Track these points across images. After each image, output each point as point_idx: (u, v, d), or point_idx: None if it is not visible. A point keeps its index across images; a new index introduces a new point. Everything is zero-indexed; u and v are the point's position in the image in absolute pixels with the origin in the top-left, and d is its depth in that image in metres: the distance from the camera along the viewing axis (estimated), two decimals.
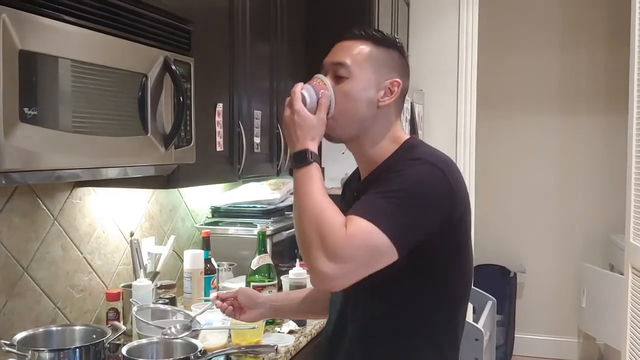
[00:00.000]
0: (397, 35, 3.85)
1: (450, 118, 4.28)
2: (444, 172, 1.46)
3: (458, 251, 1.55)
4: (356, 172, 1.72)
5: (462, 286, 1.60)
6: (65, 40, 1.44)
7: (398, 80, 1.57)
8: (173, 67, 1.83)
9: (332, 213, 1.41)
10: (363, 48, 1.57)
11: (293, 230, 3.04)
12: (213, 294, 1.96)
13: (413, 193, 1.42)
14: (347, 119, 1.56)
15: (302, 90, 1.52)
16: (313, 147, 1.49)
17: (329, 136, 1.59)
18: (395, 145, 1.58)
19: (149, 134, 1.76)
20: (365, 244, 1.37)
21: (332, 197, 1.46)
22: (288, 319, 2.31)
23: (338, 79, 1.56)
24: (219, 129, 2.38)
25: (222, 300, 1.83)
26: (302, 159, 1.48)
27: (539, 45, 5.34)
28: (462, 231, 1.54)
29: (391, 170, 1.49)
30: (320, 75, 1.56)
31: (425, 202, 1.43)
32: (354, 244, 1.37)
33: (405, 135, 1.63)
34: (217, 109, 2.36)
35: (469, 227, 1.56)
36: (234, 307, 1.83)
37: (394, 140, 1.59)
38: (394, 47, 1.61)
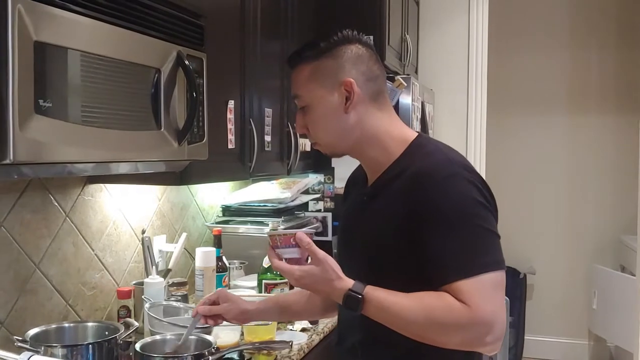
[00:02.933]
0: (407, 33, 3.85)
1: (460, 118, 4.27)
2: (475, 184, 1.44)
3: None
4: (359, 173, 1.68)
5: None
6: (81, 33, 1.43)
7: (348, 79, 1.52)
8: (186, 62, 1.81)
9: (437, 310, 1.36)
10: (303, 70, 1.57)
11: (304, 229, 3.05)
12: (205, 300, 1.78)
13: (474, 214, 1.40)
14: (332, 138, 1.58)
15: (284, 257, 1.49)
16: (345, 283, 1.43)
17: (334, 154, 1.62)
18: (401, 145, 1.55)
19: (162, 129, 1.75)
20: (489, 299, 1.35)
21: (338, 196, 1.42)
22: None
23: (303, 110, 1.59)
24: (230, 126, 2.37)
25: (205, 315, 1.73)
26: (353, 304, 1.42)
27: (549, 45, 5.32)
28: None
29: (418, 185, 1.44)
30: (271, 232, 1.54)
31: (485, 215, 1.42)
32: (483, 308, 1.33)
33: (408, 131, 1.60)
34: (228, 105, 2.35)
35: None
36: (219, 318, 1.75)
37: (398, 139, 1.56)
38: (336, 45, 1.55)
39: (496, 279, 1.37)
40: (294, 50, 1.62)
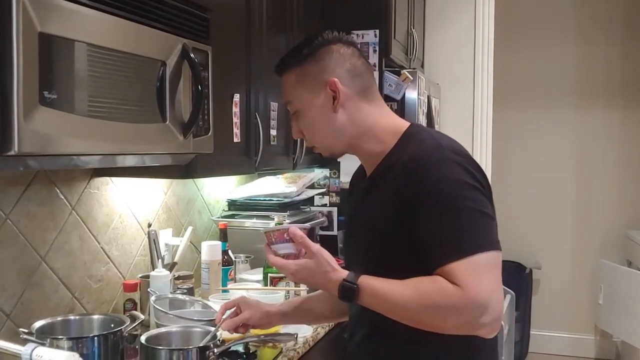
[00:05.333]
0: (413, 27, 3.84)
1: (466, 112, 4.25)
2: (465, 167, 1.43)
3: None
4: (362, 170, 1.69)
5: None
6: (85, 24, 1.43)
7: (331, 79, 1.54)
8: (192, 55, 1.82)
9: (430, 294, 1.35)
10: (290, 77, 1.61)
11: (310, 223, 3.06)
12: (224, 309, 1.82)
13: (464, 196, 1.39)
14: (328, 138, 1.61)
15: (280, 253, 1.52)
16: (340, 274, 1.45)
17: (333, 154, 1.65)
18: (394, 136, 1.55)
19: (167, 122, 1.75)
20: (483, 279, 1.33)
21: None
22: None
23: (295, 116, 1.62)
24: (236, 119, 2.37)
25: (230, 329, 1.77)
26: (348, 294, 1.43)
27: (556, 39, 5.30)
28: None
29: (409, 171, 1.44)
30: (265, 229, 1.56)
31: (476, 196, 1.40)
32: (477, 289, 1.31)
33: (401, 121, 1.61)
34: (234, 99, 2.35)
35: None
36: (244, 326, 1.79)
37: (391, 130, 1.57)
38: (318, 48, 1.58)
39: (489, 259, 1.35)
40: (280, 59, 1.65)
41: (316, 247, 1.48)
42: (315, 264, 1.46)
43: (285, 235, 1.50)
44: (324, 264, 1.46)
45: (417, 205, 1.40)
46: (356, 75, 1.57)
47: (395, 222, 1.45)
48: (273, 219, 2.85)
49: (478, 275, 1.32)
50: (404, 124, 1.59)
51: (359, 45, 1.66)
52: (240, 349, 1.94)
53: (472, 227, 1.37)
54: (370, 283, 1.42)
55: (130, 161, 1.83)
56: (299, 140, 2.92)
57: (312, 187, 3.31)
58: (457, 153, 1.45)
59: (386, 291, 1.40)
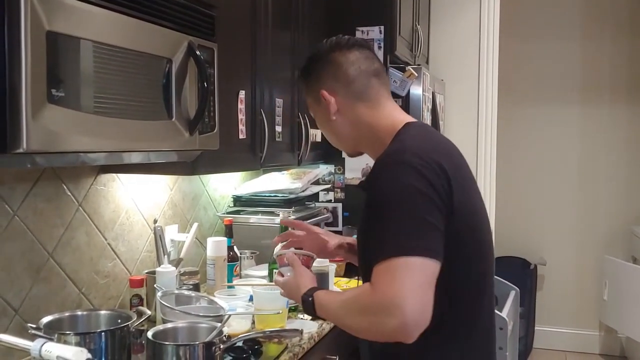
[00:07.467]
0: (418, 24, 3.84)
1: (471, 108, 4.25)
2: (420, 171, 1.38)
3: (459, 243, 1.43)
4: None
5: (469, 279, 1.50)
6: (92, 22, 1.44)
7: (321, 91, 1.65)
8: (197, 52, 1.83)
9: (353, 298, 1.43)
10: (302, 88, 1.81)
11: (314, 219, 3.07)
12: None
13: (404, 200, 1.37)
14: (336, 142, 1.74)
15: (286, 274, 1.72)
16: (305, 290, 1.58)
17: (349, 154, 1.78)
18: (391, 135, 1.57)
19: (173, 119, 1.77)
20: (395, 282, 1.29)
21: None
22: None
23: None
24: (241, 116, 2.38)
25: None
26: (308, 307, 1.56)
27: (561, 34, 5.29)
28: (463, 219, 1.44)
29: (372, 172, 1.48)
30: (276, 253, 1.81)
31: (418, 201, 1.36)
32: (384, 290, 1.30)
33: (398, 119, 1.62)
34: (239, 96, 2.36)
35: (473, 214, 1.49)
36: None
37: (389, 129, 1.59)
38: (314, 63, 1.70)
39: (412, 263, 1.30)
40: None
41: (299, 269, 1.64)
42: (293, 283, 1.63)
43: (285, 259, 1.73)
44: (300, 285, 1.60)
45: (368, 207, 1.46)
46: (350, 82, 1.63)
47: (363, 222, 1.51)
48: (278, 215, 2.86)
49: (390, 278, 1.30)
50: (401, 123, 1.59)
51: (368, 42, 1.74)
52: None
53: (402, 231, 1.34)
54: (320, 296, 1.53)
55: (136, 158, 1.85)
56: (304, 136, 2.93)
57: (317, 183, 3.32)
58: (418, 157, 1.41)
59: (328, 302, 1.50)
